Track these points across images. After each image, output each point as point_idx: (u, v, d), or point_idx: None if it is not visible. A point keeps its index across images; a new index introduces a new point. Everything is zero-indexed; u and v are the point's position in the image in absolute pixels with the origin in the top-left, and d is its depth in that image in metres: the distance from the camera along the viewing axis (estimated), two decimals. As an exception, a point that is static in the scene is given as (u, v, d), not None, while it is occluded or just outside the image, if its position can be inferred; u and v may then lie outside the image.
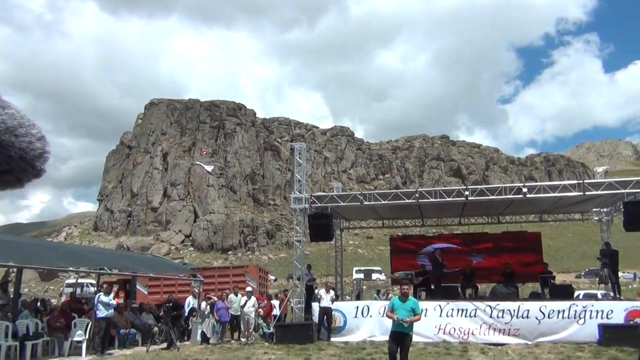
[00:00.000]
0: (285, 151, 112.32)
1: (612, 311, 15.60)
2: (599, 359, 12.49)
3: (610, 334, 14.46)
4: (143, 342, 17.04)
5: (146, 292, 23.14)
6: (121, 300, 20.47)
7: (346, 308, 17.48)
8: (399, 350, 9.70)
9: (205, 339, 17.58)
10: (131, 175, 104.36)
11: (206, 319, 18.17)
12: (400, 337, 9.75)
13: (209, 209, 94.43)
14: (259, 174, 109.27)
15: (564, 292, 18.02)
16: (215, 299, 18.65)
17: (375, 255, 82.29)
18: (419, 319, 10.06)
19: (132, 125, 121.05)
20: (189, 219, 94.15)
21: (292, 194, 19.17)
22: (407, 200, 17.93)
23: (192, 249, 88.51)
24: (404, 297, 9.96)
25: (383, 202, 18.16)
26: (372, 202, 18.23)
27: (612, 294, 17.66)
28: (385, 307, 13.41)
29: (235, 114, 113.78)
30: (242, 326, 17.93)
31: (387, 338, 15.08)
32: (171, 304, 16.65)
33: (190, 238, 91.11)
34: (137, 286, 22.39)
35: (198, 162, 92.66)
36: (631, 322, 15.13)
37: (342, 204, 18.51)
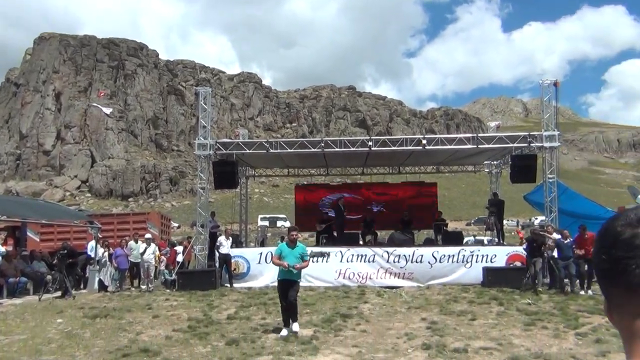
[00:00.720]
0: (190, 96, 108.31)
1: (495, 255, 16.99)
2: (481, 298, 13.63)
3: (492, 276, 15.80)
4: (35, 291, 16.25)
5: (38, 240, 21.87)
6: (10, 248, 19.29)
7: (250, 255, 17.63)
8: (286, 295, 9.53)
9: (103, 287, 17.08)
10: (19, 115, 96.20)
11: (104, 267, 17.60)
12: (288, 285, 9.52)
13: (108, 154, 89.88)
14: (162, 118, 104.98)
15: (455, 239, 19.32)
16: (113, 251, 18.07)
17: (280, 203, 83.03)
18: (307, 265, 10.01)
19: (20, 61, 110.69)
20: (86, 163, 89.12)
21: (196, 139, 18.67)
22: (313, 149, 18.11)
23: (89, 195, 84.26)
24: (292, 244, 9.62)
25: (289, 150, 18.21)
26: (278, 150, 18.22)
27: (496, 239, 19.17)
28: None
29: (137, 54, 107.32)
30: (142, 274, 17.57)
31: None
32: (65, 251, 15.89)
33: (87, 184, 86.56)
34: (28, 233, 21.13)
35: (95, 104, 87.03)
36: (511, 265, 16.60)
37: (248, 151, 18.35)
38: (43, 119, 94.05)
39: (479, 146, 17.89)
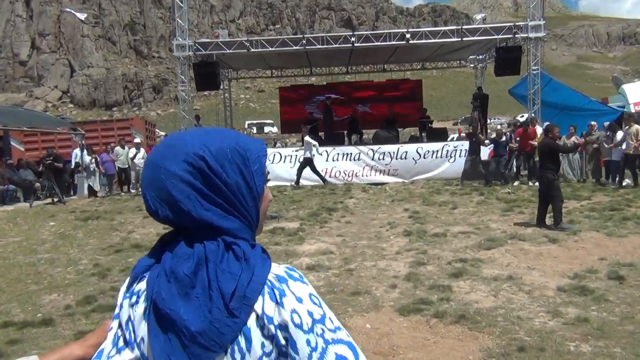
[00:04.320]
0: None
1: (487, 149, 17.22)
2: (462, 189, 14.04)
3: (472, 170, 16.11)
4: (25, 199, 16.44)
5: (22, 149, 21.78)
6: (-6, 158, 19.21)
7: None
8: None
9: (92, 192, 17.29)
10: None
11: (92, 174, 17.73)
12: None
13: (87, 63, 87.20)
14: (140, 23, 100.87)
15: (439, 135, 19.48)
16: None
17: (267, 108, 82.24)
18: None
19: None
20: (65, 73, 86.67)
21: (174, 41, 18.12)
22: (295, 47, 17.71)
23: (72, 105, 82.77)
24: None
25: (270, 49, 17.79)
26: (260, 49, 17.80)
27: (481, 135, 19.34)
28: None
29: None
30: (132, 178, 17.75)
31: (279, 184, 15.68)
32: (51, 158, 15.89)
33: (69, 94, 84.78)
34: (12, 142, 20.96)
35: (68, 9, 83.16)
36: (491, 160, 16.89)
37: (229, 51, 17.90)
38: (15, 27, 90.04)
39: (464, 39, 17.59)
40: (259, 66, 23.03)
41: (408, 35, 17.29)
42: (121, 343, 1.04)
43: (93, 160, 17.67)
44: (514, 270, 6.64)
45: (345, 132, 20.47)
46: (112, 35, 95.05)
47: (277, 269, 1.02)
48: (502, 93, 22.02)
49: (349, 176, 17.01)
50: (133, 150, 17.61)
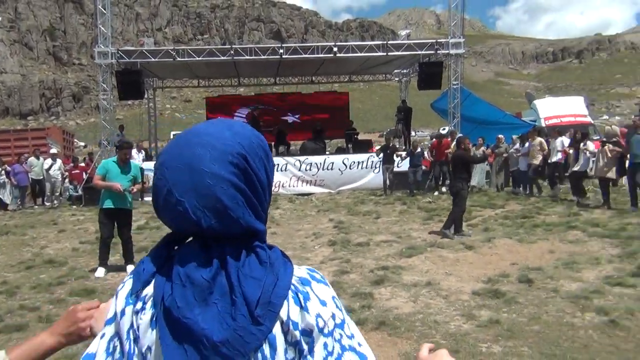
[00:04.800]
0: (90, 4, 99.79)
1: (401, 160, 17.77)
2: (386, 199, 14.40)
3: (397, 180, 16.61)
4: None
5: None
6: None
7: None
8: (118, 231, 7.72)
9: (2, 205, 16.27)
10: None
11: (2, 187, 16.67)
12: (119, 215, 7.54)
13: (0, 68, 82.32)
14: (60, 29, 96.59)
15: (365, 147, 19.90)
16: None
17: (194, 119, 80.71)
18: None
19: None
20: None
21: (96, 47, 17.47)
22: (223, 58, 17.57)
23: (-18, 114, 77.74)
24: (123, 163, 7.46)
25: (197, 58, 17.55)
26: (186, 59, 17.52)
27: (404, 147, 19.96)
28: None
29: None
30: (46, 190, 16.86)
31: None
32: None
33: (-21, 102, 79.56)
34: None
35: (-21, 12, 78.30)
36: (409, 170, 17.41)
37: (154, 59, 17.49)
38: None
39: (389, 54, 18.11)
40: (186, 75, 22.62)
41: (335, 49, 17.61)
42: (117, 354, 0.96)
43: (2, 171, 16.63)
44: (433, 276, 6.87)
45: (273, 143, 20.46)
46: (29, 41, 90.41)
47: (299, 271, 0.97)
48: (426, 106, 22.83)
49: (275, 187, 16.98)
50: (49, 161, 16.77)
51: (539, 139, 14.20)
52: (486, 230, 9.54)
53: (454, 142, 13.96)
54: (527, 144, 14.51)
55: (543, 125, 17.41)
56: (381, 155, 16.38)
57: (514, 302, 5.71)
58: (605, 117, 77.61)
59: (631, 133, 11.20)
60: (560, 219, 10.34)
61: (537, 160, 13.87)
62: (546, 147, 14.26)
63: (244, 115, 22.47)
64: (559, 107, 19.31)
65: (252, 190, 0.93)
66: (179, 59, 17.39)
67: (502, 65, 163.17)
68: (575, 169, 12.75)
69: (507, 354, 4.40)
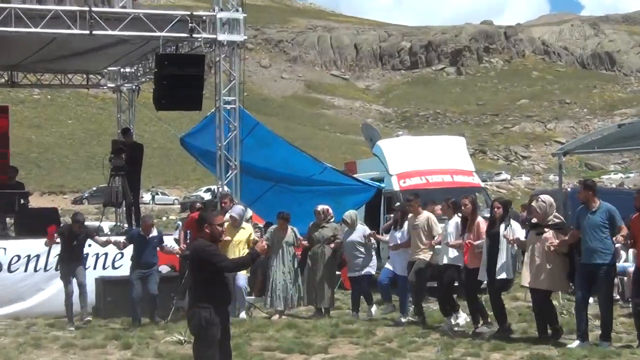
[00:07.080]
0: None
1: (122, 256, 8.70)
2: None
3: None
4: None
5: None
6: None
7: None
8: None
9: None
10: None
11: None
12: None
13: None
14: None
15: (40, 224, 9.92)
16: None
17: None
18: None
19: None
20: None
21: None
22: None
23: None
24: None
25: None
26: None
27: (125, 226, 10.38)
28: None
29: None
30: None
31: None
32: None
33: None
34: None
35: None
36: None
37: None
38: None
39: (94, 32, 8.75)
40: None
41: None
42: None
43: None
44: None
45: None
46: None
47: None
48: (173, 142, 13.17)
49: None
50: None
51: (425, 214, 7.76)
52: None
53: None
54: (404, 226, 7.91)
55: (395, 188, 9.50)
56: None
57: None
58: (505, 175, 58.74)
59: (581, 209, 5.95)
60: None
61: (426, 254, 7.54)
62: (439, 230, 7.52)
63: None
64: (423, 156, 10.78)
65: None
66: None
67: (319, 69, 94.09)
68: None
69: None
